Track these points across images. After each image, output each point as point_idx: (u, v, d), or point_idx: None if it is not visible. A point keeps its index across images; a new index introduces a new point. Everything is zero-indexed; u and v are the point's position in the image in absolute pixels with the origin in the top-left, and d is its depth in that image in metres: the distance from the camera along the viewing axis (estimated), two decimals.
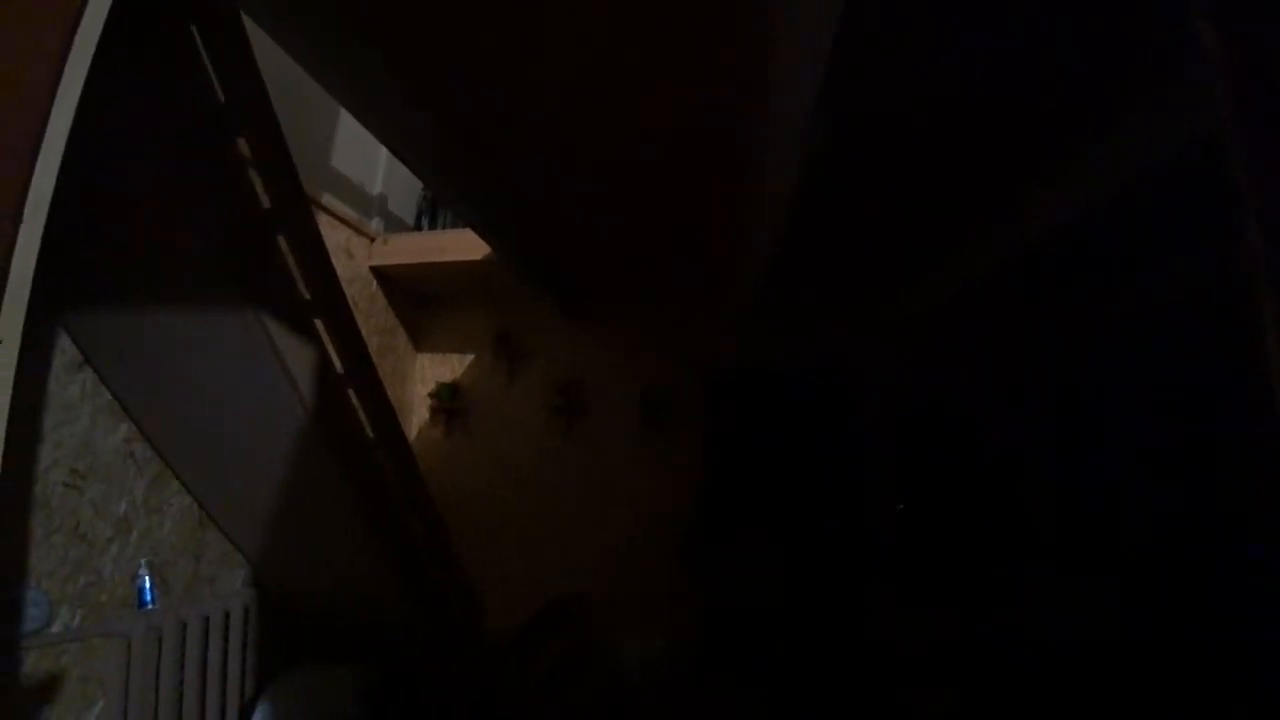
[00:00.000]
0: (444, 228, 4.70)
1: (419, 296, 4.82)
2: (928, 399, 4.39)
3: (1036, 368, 4.29)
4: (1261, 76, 0.84)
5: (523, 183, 2.92)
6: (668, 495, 4.44)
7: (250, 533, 2.62)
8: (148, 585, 2.20)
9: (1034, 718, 3.22)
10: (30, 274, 0.81)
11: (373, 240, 4.23)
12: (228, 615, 2.46)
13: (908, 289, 4.14)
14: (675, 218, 3.33)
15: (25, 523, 1.86)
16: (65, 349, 1.99)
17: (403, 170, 3.22)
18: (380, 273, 4.30)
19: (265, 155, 1.95)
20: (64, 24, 0.85)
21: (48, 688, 1.90)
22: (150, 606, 2.18)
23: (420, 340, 4.95)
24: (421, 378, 4.91)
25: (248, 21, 1.79)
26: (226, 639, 2.44)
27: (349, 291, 3.03)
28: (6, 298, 0.77)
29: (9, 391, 0.79)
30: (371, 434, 2.53)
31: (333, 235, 3.73)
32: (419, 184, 4.56)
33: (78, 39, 0.87)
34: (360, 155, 4.05)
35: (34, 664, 1.87)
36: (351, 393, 2.42)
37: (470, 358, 4.90)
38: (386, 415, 2.59)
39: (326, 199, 3.73)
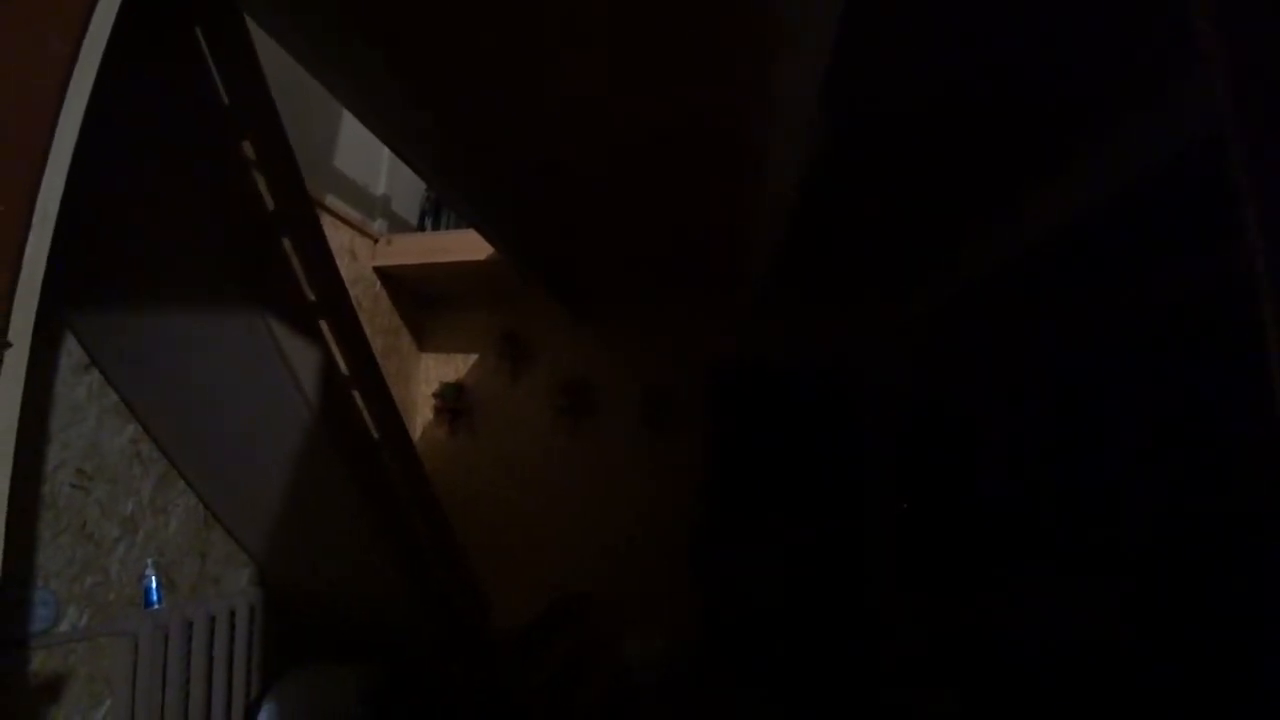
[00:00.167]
0: (447, 228, 4.71)
1: (423, 297, 4.83)
2: (929, 398, 4.39)
3: (1037, 367, 4.29)
4: (1261, 76, 0.84)
5: (524, 182, 2.92)
6: (670, 495, 4.44)
7: (255, 532, 2.63)
8: (154, 585, 2.21)
9: (1034, 718, 3.22)
10: (40, 277, 0.82)
11: (376, 241, 4.24)
12: (233, 614, 2.47)
13: (909, 289, 4.14)
14: (676, 217, 3.34)
15: (33, 523, 1.87)
16: (72, 351, 2.01)
17: (406, 171, 3.23)
18: (384, 273, 4.31)
19: (269, 157, 1.96)
20: (72, 29, 0.86)
21: (55, 687, 1.92)
22: (157, 606, 2.20)
23: (424, 340, 4.96)
24: (425, 378, 4.93)
25: (250, 23, 1.81)
26: (232, 638, 2.45)
27: (353, 292, 3.05)
28: (17, 301, 0.78)
29: (19, 393, 0.79)
30: (376, 434, 2.54)
31: (336, 236, 3.75)
32: (422, 184, 4.57)
33: (85, 44, 0.87)
34: (363, 156, 4.06)
35: (42, 663, 1.88)
36: (356, 393, 2.43)
37: (474, 358, 4.91)
38: (391, 416, 2.60)
39: (330, 200, 3.74)
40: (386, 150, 3.62)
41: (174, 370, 2.13)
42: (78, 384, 2.03)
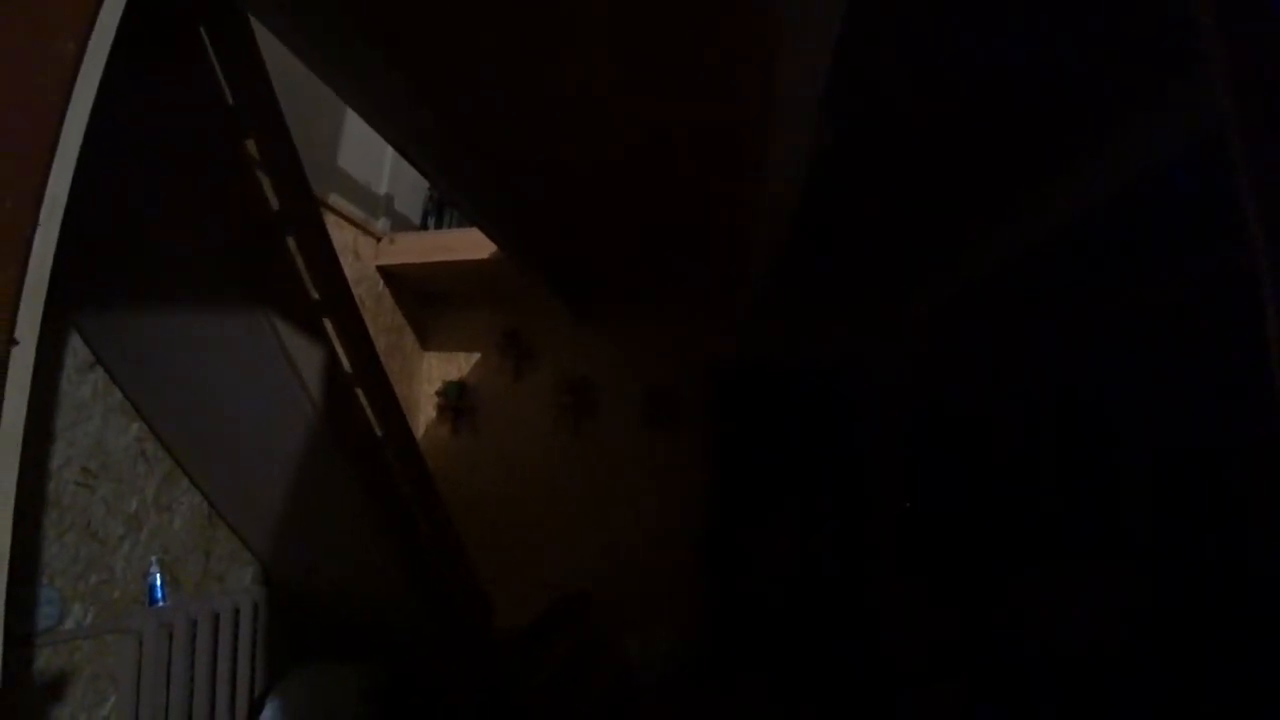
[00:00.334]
0: (450, 227, 4.72)
1: (426, 296, 4.84)
2: (932, 398, 4.39)
3: (1037, 367, 4.29)
4: (1261, 76, 0.85)
5: (525, 181, 2.93)
6: (672, 494, 4.45)
7: (259, 530, 2.64)
8: (159, 582, 2.22)
9: (1037, 715, 3.22)
10: (47, 275, 0.82)
11: (379, 240, 4.25)
12: (237, 612, 2.48)
13: (909, 289, 4.14)
14: (677, 217, 3.34)
15: (38, 521, 1.88)
16: (77, 349, 2.02)
17: (409, 170, 3.24)
18: (387, 272, 4.32)
19: (273, 156, 1.97)
20: (79, 29, 0.87)
21: (61, 684, 1.93)
22: (161, 603, 2.21)
23: (427, 339, 4.97)
24: (428, 376, 4.93)
25: (254, 23, 1.81)
26: (236, 636, 2.46)
27: (356, 291, 3.04)
28: (24, 300, 0.79)
29: (26, 391, 0.80)
30: (379, 433, 2.55)
31: (339, 235, 3.75)
32: (425, 183, 4.58)
33: (91, 43, 0.88)
34: (366, 155, 4.07)
35: (47, 661, 1.89)
36: (359, 392, 2.44)
37: (477, 356, 4.92)
38: (394, 414, 2.61)
39: (333, 199, 3.75)
40: (390, 149, 3.63)
41: (178, 369, 2.14)
42: (83, 382, 2.04)
